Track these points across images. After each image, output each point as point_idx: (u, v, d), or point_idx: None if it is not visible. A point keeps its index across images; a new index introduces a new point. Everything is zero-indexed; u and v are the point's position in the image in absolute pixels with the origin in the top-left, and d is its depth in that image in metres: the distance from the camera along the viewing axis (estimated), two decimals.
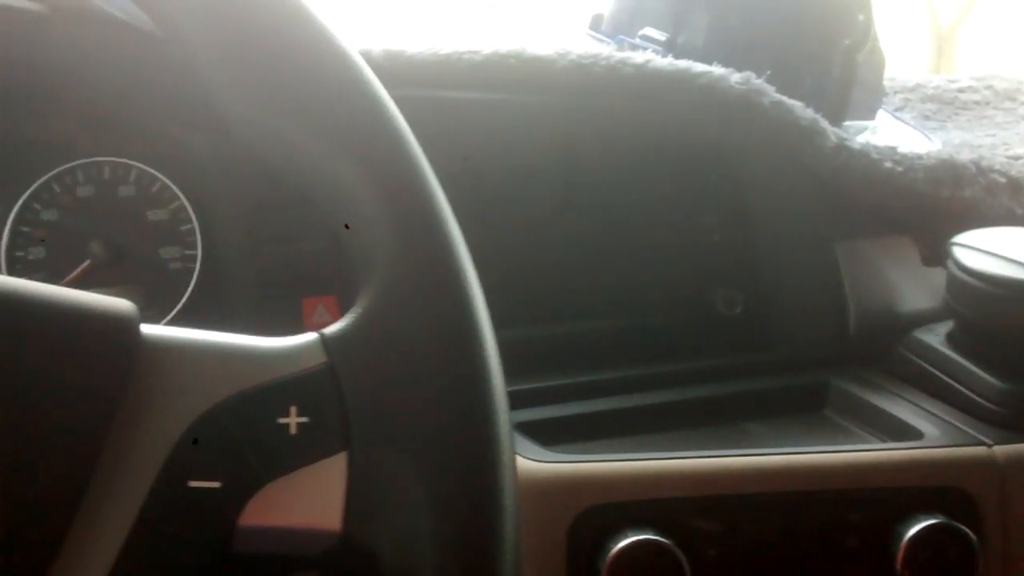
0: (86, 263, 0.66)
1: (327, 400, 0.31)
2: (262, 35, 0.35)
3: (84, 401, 0.29)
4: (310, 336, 0.33)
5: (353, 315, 0.33)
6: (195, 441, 0.30)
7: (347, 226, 0.34)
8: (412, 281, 0.32)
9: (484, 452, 0.31)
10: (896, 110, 1.04)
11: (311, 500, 0.31)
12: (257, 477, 0.30)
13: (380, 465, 0.31)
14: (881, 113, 0.89)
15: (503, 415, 0.32)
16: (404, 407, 0.31)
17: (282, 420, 0.31)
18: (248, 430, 0.30)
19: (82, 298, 0.31)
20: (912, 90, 1.09)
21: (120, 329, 0.31)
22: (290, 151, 0.35)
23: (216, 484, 0.30)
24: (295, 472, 0.31)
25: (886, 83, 1.09)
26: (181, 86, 0.63)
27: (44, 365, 0.29)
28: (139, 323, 0.32)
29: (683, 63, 0.71)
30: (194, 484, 0.30)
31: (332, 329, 0.33)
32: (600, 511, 0.56)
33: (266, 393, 0.31)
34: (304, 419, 0.31)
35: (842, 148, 0.71)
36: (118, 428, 0.30)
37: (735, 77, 0.70)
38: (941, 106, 1.07)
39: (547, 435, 0.62)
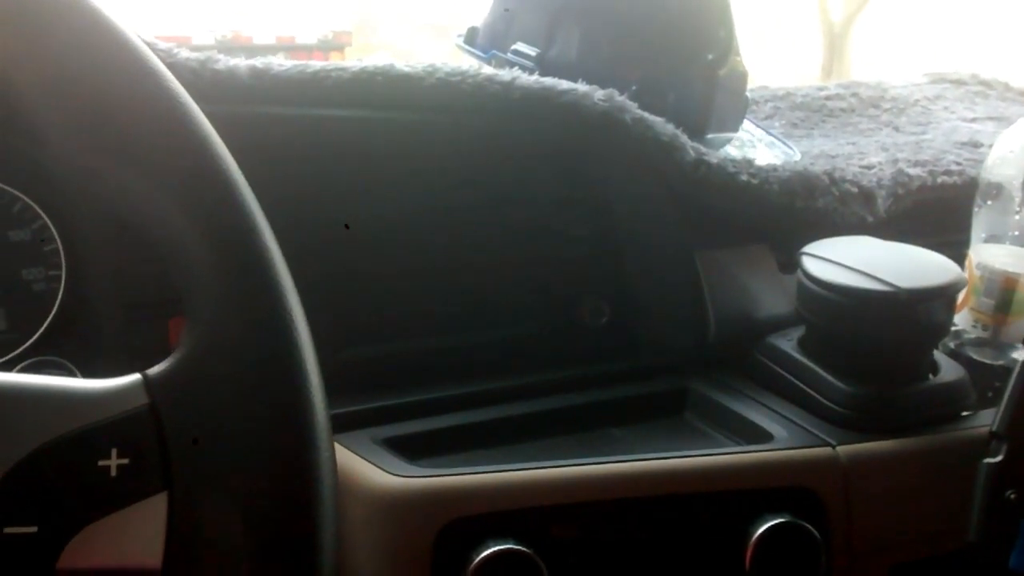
0: None
1: (148, 441, 0.32)
2: (83, 73, 0.35)
3: None
4: (133, 377, 0.33)
5: (176, 356, 0.33)
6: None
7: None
8: (234, 323, 0.33)
9: (303, 491, 0.32)
10: (766, 118, 1.09)
11: (131, 540, 0.31)
12: (75, 520, 0.31)
13: (200, 504, 0.32)
14: (747, 124, 0.92)
15: (325, 453, 0.33)
16: (225, 447, 0.32)
17: (103, 462, 0.31)
18: (67, 474, 0.31)
19: None
20: (782, 99, 1.14)
21: None
22: (116, 191, 0.35)
23: (32, 529, 0.30)
24: (116, 513, 0.31)
25: (758, 92, 1.14)
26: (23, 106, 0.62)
27: None
28: None
29: (549, 80, 0.73)
30: (10, 531, 0.30)
31: (155, 370, 0.33)
32: (463, 523, 0.57)
33: (87, 436, 0.32)
34: (125, 461, 0.31)
35: (700, 162, 0.73)
36: None
37: (598, 94, 0.73)
38: (809, 114, 1.12)
39: (414, 450, 0.63)
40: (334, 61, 0.71)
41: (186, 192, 0.34)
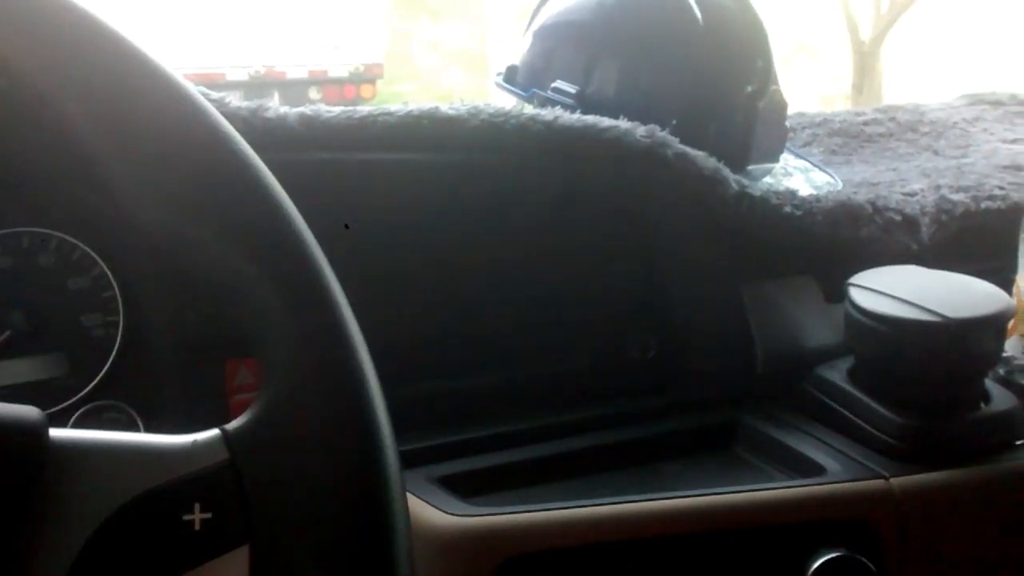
0: (6, 334, 0.66)
1: (230, 496, 0.33)
2: (158, 137, 0.36)
3: None
4: (212, 433, 0.34)
5: (253, 411, 0.34)
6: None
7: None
8: (310, 381, 0.34)
9: (382, 542, 0.33)
10: (804, 145, 1.09)
11: None
12: (165, 574, 0.32)
13: (282, 556, 0.32)
14: (786, 153, 0.93)
15: (400, 503, 0.34)
16: (303, 501, 0.33)
17: (187, 517, 0.32)
18: (155, 528, 0.32)
19: None
20: (819, 125, 1.14)
21: (27, 438, 0.32)
22: (189, 248, 0.36)
23: None
24: (200, 567, 0.32)
25: (796, 119, 1.14)
26: (79, 155, 0.64)
27: None
28: (47, 429, 0.33)
29: (591, 118, 0.74)
30: None
31: (233, 425, 0.34)
32: (520, 562, 0.58)
33: (171, 491, 0.33)
34: (208, 515, 0.32)
35: (744, 195, 0.74)
36: (24, 538, 0.31)
37: (640, 130, 0.73)
38: (847, 140, 1.12)
39: (468, 487, 0.63)
40: (380, 106, 0.73)
41: (263, 254, 0.35)
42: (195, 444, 0.34)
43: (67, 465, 0.33)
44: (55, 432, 0.33)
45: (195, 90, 0.38)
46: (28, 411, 0.33)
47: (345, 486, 0.33)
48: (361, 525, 0.33)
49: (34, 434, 0.32)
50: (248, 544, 0.33)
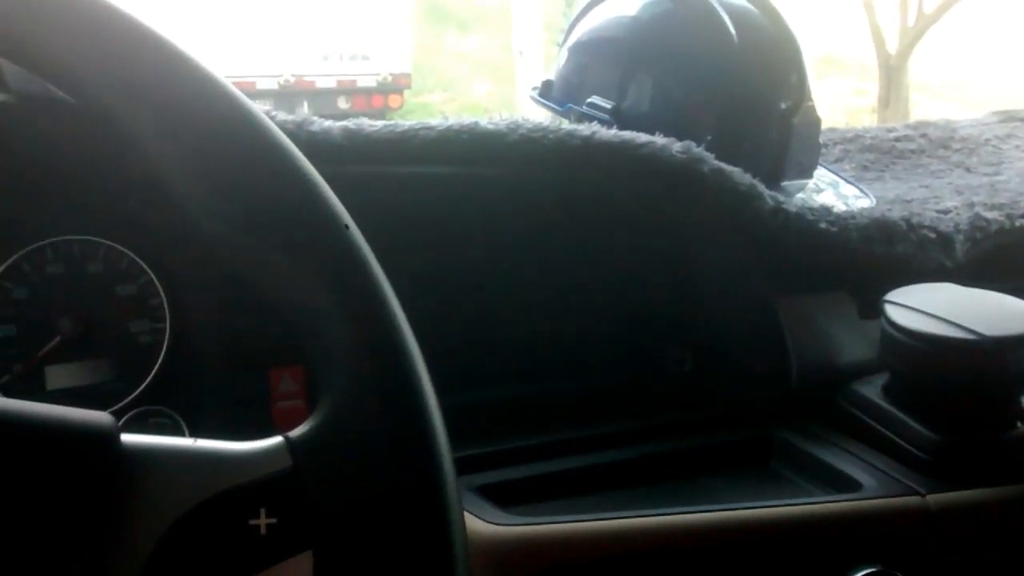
0: (56, 339, 0.68)
1: (294, 502, 0.34)
2: (222, 154, 0.37)
3: (64, 525, 0.32)
4: (276, 440, 0.35)
5: (316, 420, 0.35)
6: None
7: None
8: (371, 389, 0.35)
9: (440, 551, 0.34)
10: (836, 161, 1.09)
11: None
12: None
13: (344, 562, 0.34)
14: (819, 168, 0.93)
15: (457, 509, 0.35)
16: (365, 508, 0.34)
17: (253, 521, 0.33)
18: (222, 532, 0.33)
19: (61, 414, 0.34)
20: (851, 141, 1.14)
21: (101, 442, 0.33)
22: (248, 259, 0.38)
23: None
24: (265, 571, 0.33)
25: (827, 135, 1.15)
26: (139, 167, 0.66)
27: (24, 487, 0.31)
28: (119, 435, 0.34)
29: (627, 134, 0.75)
30: None
31: (297, 433, 0.35)
32: (558, 572, 0.59)
33: (237, 496, 0.34)
34: (273, 520, 0.33)
35: (779, 211, 0.74)
36: (98, 539, 0.32)
37: (676, 146, 0.74)
38: (879, 156, 1.12)
39: (506, 497, 0.64)
40: (421, 120, 0.74)
41: (326, 268, 0.36)
42: (260, 450, 0.35)
43: (137, 469, 0.34)
44: (126, 437, 0.35)
45: (258, 109, 0.40)
46: (100, 416, 0.34)
47: (405, 494, 0.34)
48: (421, 532, 0.34)
49: (107, 439, 0.34)
50: (311, 549, 0.34)
